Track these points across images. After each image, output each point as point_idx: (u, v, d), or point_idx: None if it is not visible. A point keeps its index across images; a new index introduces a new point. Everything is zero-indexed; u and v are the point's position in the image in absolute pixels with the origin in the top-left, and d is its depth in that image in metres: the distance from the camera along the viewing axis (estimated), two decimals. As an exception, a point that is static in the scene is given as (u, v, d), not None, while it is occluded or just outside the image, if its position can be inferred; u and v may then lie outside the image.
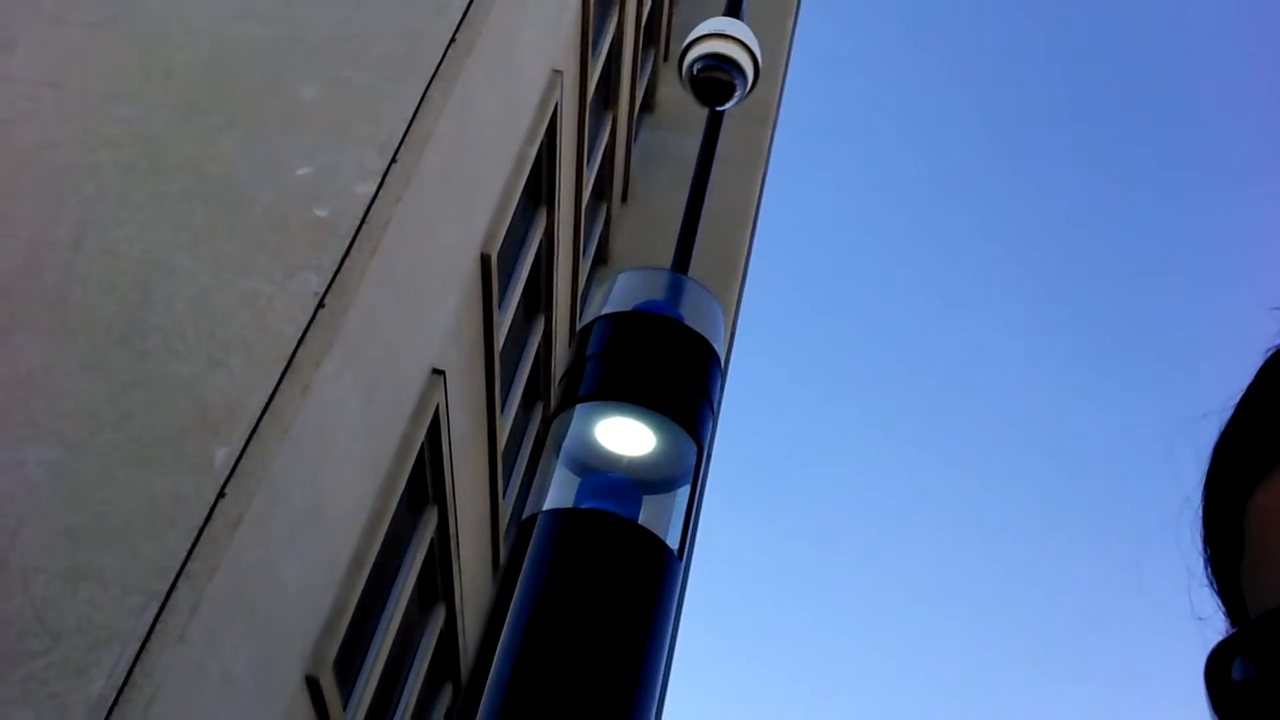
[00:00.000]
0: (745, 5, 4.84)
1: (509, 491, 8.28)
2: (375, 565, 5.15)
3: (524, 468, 8.72)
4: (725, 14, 4.75)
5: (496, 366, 6.82)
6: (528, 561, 2.70)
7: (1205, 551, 0.61)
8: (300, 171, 4.65)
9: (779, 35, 12.73)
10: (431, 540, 6.23)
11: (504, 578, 2.86)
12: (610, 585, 2.70)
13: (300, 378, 3.99)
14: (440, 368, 5.67)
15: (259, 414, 3.82)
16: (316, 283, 4.25)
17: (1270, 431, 0.56)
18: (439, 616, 6.89)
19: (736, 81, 4.56)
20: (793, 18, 13.41)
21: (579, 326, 3.68)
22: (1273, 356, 0.58)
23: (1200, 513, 0.61)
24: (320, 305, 4.18)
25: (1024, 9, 39.33)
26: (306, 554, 4.34)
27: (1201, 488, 0.61)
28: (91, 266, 4.24)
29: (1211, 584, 0.61)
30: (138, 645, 3.30)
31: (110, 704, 3.19)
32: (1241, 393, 0.60)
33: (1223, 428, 0.60)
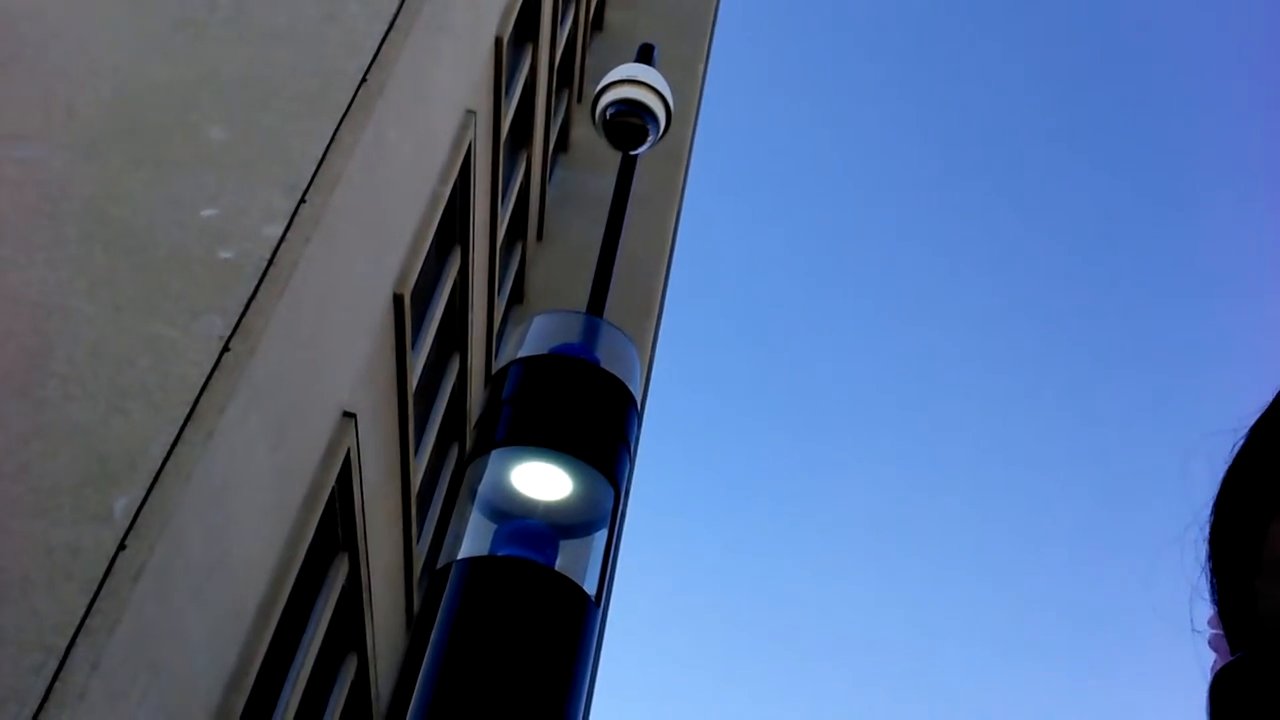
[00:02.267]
0: (657, 51, 4.90)
1: (423, 536, 8.15)
2: (283, 616, 5.02)
3: (439, 511, 8.60)
4: (637, 60, 4.80)
5: (410, 408, 6.74)
6: (443, 611, 2.66)
7: (1210, 568, 0.61)
8: (205, 213, 4.56)
9: (691, 78, 12.89)
10: (342, 588, 6.10)
11: (418, 627, 2.81)
12: (527, 634, 2.67)
13: (204, 424, 3.88)
14: (351, 410, 5.58)
15: (160, 462, 3.71)
16: (221, 326, 4.16)
17: None
18: (350, 667, 6.73)
19: (649, 126, 4.61)
20: (703, 62, 13.61)
21: (495, 369, 3.65)
22: None
23: (1209, 530, 0.61)
24: (225, 349, 4.09)
25: (957, 22, 40.15)
26: (211, 605, 4.21)
27: (1212, 506, 0.61)
28: (-14, 311, 4.10)
29: (1214, 600, 0.61)
30: (36, 704, 3.17)
31: (2, 770, 3.05)
32: (1259, 414, 0.60)
33: (1239, 448, 0.60)
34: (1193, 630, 0.62)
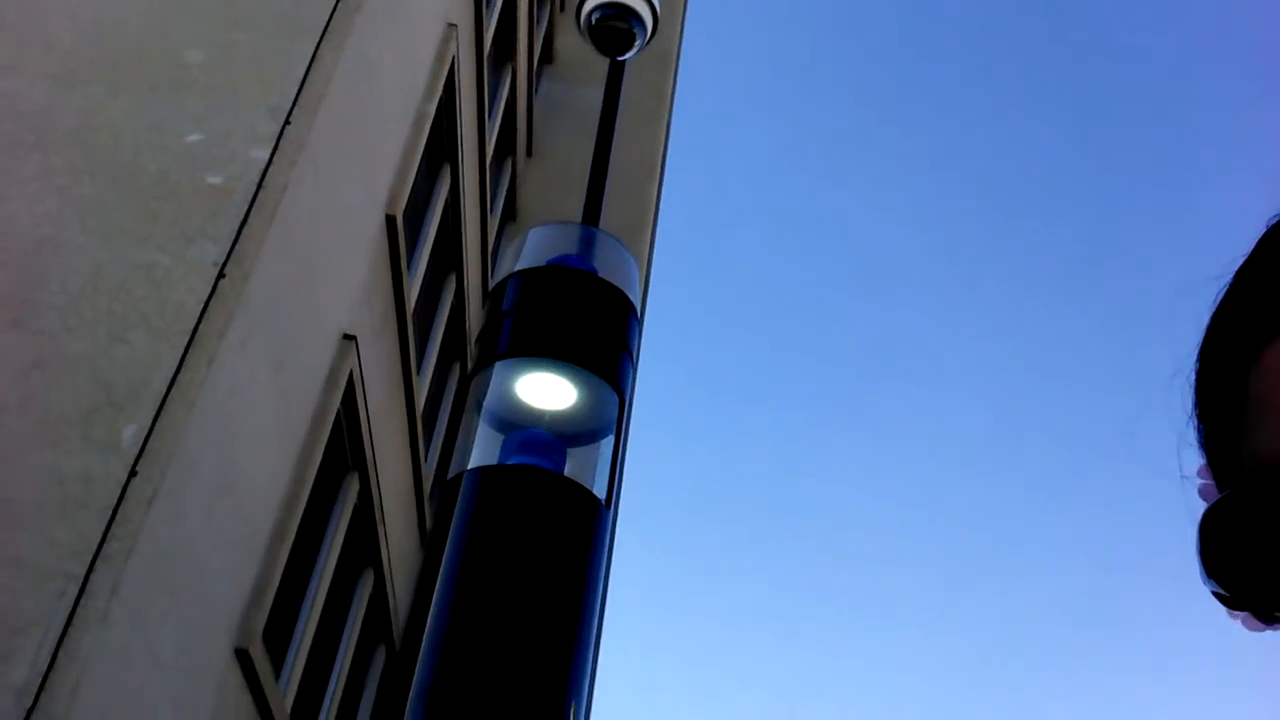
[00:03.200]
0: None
1: (430, 454, 8.23)
2: (298, 535, 5.09)
3: (444, 429, 8.66)
4: (620, -40, 4.70)
5: (410, 328, 6.74)
6: (456, 520, 2.69)
7: (1196, 412, 0.62)
8: (190, 138, 4.51)
9: (674, -20, 12.64)
10: (354, 507, 6.17)
11: (432, 538, 2.85)
12: (540, 538, 2.71)
13: (204, 350, 3.89)
14: (351, 333, 5.58)
15: (165, 389, 3.73)
16: (215, 252, 4.15)
17: (1277, 295, 0.57)
18: (367, 582, 6.84)
19: (635, 30, 4.53)
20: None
21: (492, 284, 3.65)
22: (1276, 225, 0.59)
23: (1195, 374, 0.62)
24: (220, 275, 4.08)
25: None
26: (225, 528, 4.27)
27: (1198, 351, 0.62)
28: (-22, 247, 4.08)
29: (1202, 446, 0.62)
30: (59, 630, 3.23)
31: (36, 690, 3.12)
32: (1242, 259, 0.60)
33: (1223, 292, 0.61)
34: (1181, 477, 0.63)
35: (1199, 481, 0.63)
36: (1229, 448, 0.59)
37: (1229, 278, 0.61)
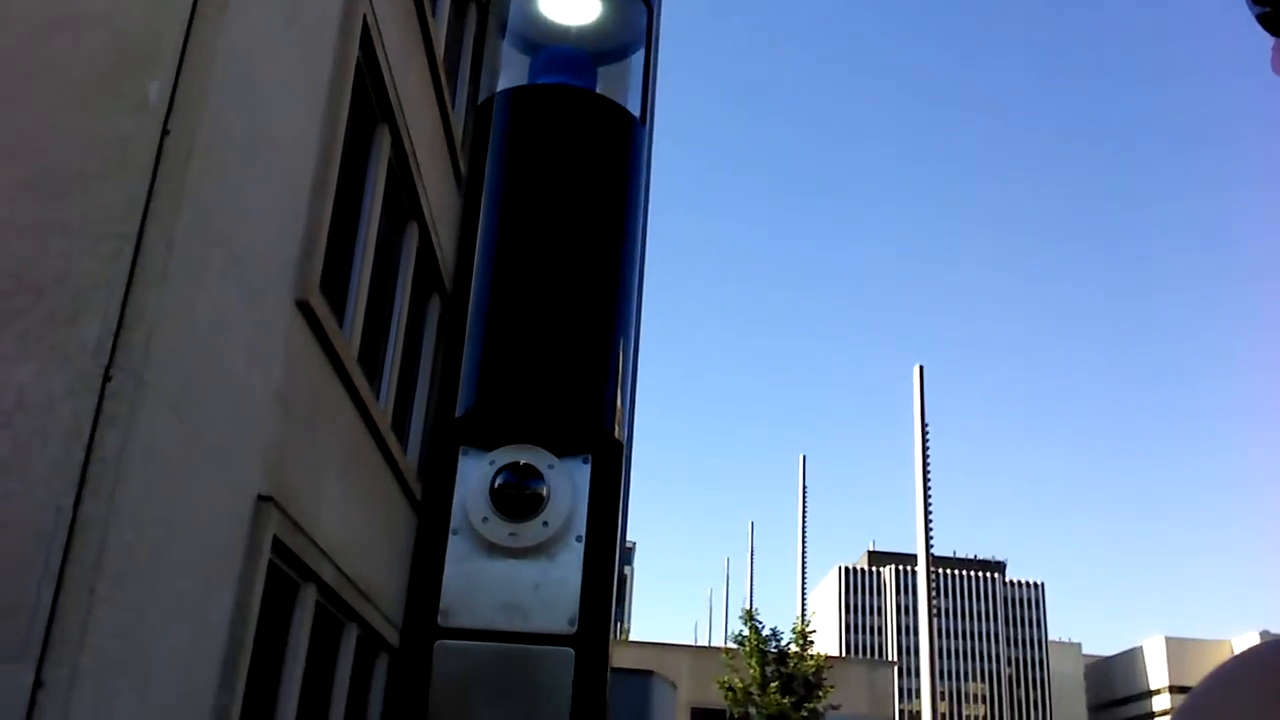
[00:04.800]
0: None
1: (457, 103, 8.09)
2: (339, 188, 5.12)
3: (467, 78, 8.46)
4: None
5: (420, -32, 6.43)
6: (492, 144, 2.65)
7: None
8: None
9: None
10: (389, 160, 6.16)
11: (470, 171, 2.84)
12: (577, 156, 2.68)
13: (214, 1, 3.75)
14: (361, -25, 5.34)
15: (182, 41, 3.63)
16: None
17: None
18: (414, 234, 6.96)
19: None
20: None
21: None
22: None
23: None
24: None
25: None
26: (266, 181, 4.29)
27: None
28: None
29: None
30: (122, 289, 3.33)
31: (110, 347, 3.27)
32: None
33: None
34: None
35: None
36: None
37: None
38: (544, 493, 1.57)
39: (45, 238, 3.35)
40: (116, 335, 3.29)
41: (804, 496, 34.24)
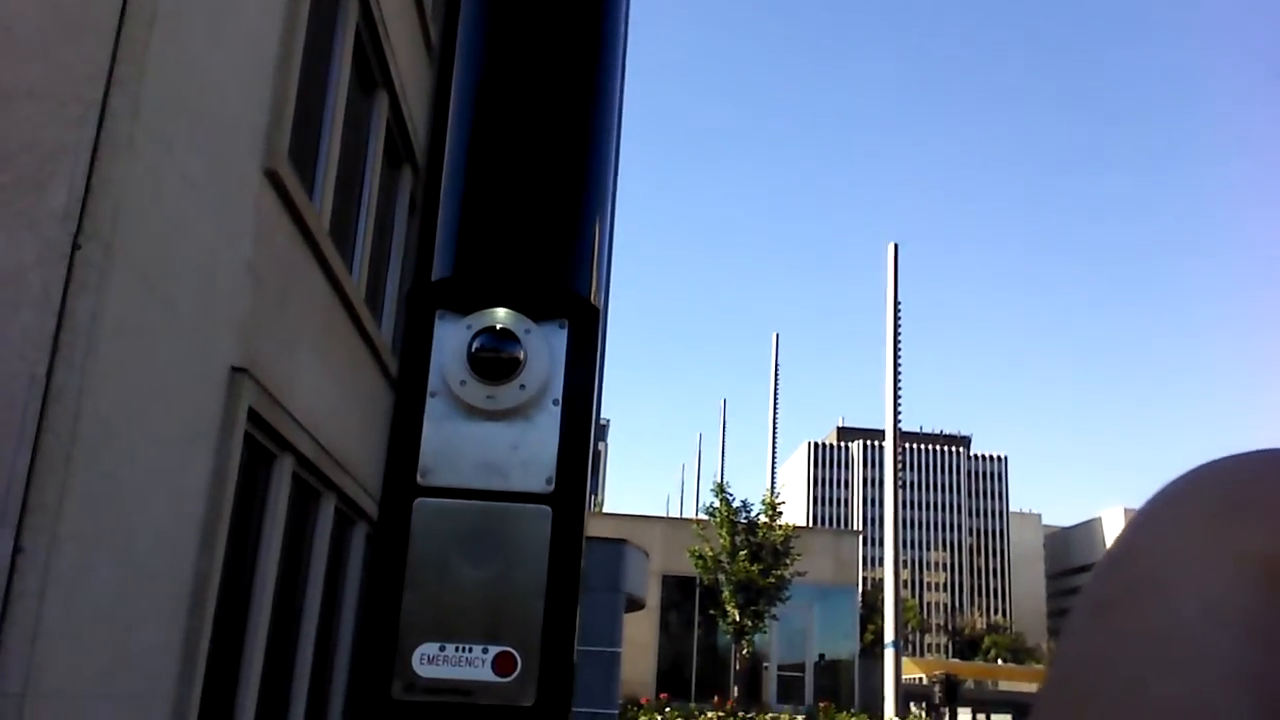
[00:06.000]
0: None
1: (426, -33, 7.85)
2: (305, 55, 5.00)
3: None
4: None
5: None
6: (463, 8, 2.60)
7: None
8: None
9: None
10: (358, 25, 6.00)
11: (442, 42, 2.78)
12: (553, 19, 2.62)
13: None
14: None
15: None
16: None
17: None
18: (383, 103, 6.82)
19: None
20: None
21: None
22: None
23: None
24: None
25: None
26: (231, 47, 4.19)
27: None
28: None
29: None
30: (88, 155, 3.28)
31: (78, 214, 3.23)
32: None
33: None
34: None
35: None
36: None
37: None
38: (521, 356, 1.59)
39: (9, 103, 3.27)
40: (84, 202, 3.25)
41: (776, 374, 34.61)
